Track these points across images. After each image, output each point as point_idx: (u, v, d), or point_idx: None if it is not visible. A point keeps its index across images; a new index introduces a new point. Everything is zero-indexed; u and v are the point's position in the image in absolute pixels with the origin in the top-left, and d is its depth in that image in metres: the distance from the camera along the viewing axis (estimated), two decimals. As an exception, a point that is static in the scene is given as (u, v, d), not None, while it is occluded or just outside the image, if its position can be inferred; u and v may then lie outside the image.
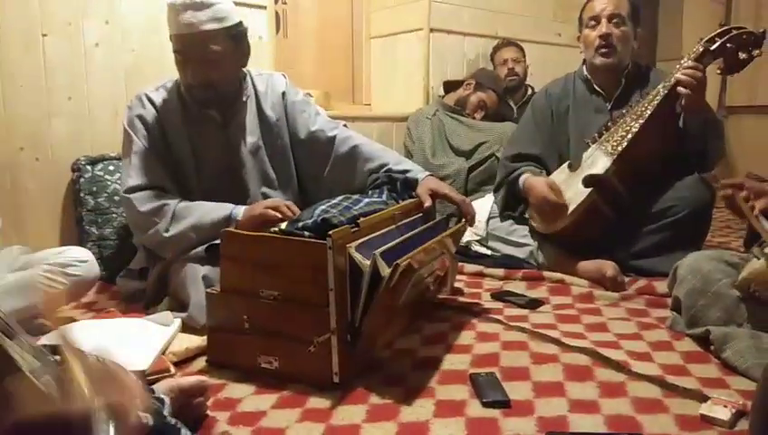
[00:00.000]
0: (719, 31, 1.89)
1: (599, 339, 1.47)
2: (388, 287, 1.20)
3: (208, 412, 1.14)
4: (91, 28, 2.19)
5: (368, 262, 1.23)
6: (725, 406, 1.09)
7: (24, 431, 0.51)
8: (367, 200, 1.55)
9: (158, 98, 1.76)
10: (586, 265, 1.97)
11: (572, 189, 2.01)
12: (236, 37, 1.70)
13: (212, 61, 1.66)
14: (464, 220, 1.71)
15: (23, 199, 2.10)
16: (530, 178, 2.10)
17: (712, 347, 1.36)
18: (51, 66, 2.12)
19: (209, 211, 1.63)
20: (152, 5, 2.31)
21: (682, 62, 1.92)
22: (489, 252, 2.26)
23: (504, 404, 1.15)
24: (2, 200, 2.02)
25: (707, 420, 1.08)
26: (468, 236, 2.30)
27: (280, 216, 1.52)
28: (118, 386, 0.59)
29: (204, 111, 1.76)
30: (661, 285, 1.77)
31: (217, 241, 1.54)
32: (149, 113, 1.74)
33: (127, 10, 2.26)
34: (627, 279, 1.91)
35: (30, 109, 2.10)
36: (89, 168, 2.14)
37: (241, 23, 1.72)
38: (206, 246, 1.60)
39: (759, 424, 0.79)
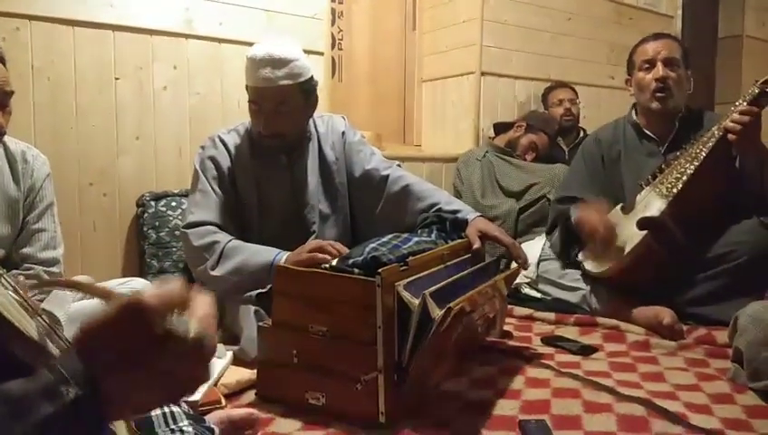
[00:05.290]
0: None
1: (655, 389, 1.42)
2: (439, 330, 1.20)
3: (256, 446, 1.15)
4: (159, 72, 2.33)
5: (416, 301, 1.24)
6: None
7: (98, 329, 0.46)
8: (416, 239, 1.56)
9: (230, 140, 1.85)
10: (642, 312, 1.91)
11: (626, 232, 1.96)
12: (308, 91, 1.79)
13: (284, 113, 1.75)
14: (517, 264, 1.69)
15: (89, 232, 2.22)
16: (581, 212, 2.05)
17: (777, 402, 1.29)
18: (121, 107, 2.26)
19: (253, 255, 1.66)
20: (215, 52, 2.44)
21: (737, 103, 1.88)
22: (540, 295, 2.22)
23: (555, 453, 1.12)
24: (69, 232, 2.13)
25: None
26: (518, 278, 2.27)
27: (329, 257, 1.52)
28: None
29: (271, 154, 1.84)
30: (721, 335, 1.70)
31: (265, 290, 1.58)
32: (221, 154, 1.83)
33: (192, 55, 2.40)
34: (685, 327, 1.84)
35: (100, 147, 2.23)
36: (152, 203, 2.25)
37: (312, 77, 1.80)
38: (256, 292, 1.63)
39: None
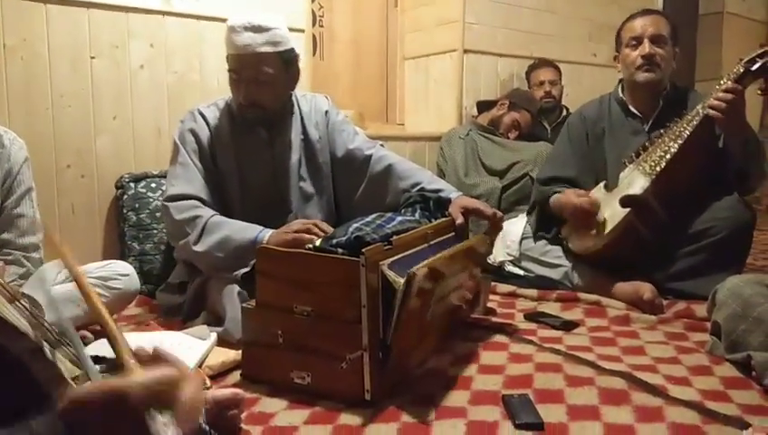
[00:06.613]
0: (760, 51, 1.86)
1: (635, 362, 1.45)
2: (408, 298, 1.20)
3: (242, 425, 1.15)
4: (136, 50, 2.28)
5: (401, 280, 1.24)
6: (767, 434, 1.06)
7: (79, 407, 0.49)
8: (400, 219, 1.56)
9: (210, 114, 1.84)
10: (623, 287, 1.94)
11: (609, 210, 1.98)
12: (288, 62, 1.78)
13: (264, 82, 1.73)
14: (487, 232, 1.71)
15: (67, 214, 2.19)
16: (558, 195, 2.09)
17: (753, 373, 1.32)
18: (97, 87, 2.21)
19: (236, 232, 1.65)
20: (193, 29, 2.40)
21: (721, 82, 1.89)
22: (523, 272, 2.24)
23: (538, 427, 1.14)
24: (48, 215, 2.10)
25: (749, 449, 1.05)
26: (502, 256, 2.29)
27: (314, 238, 1.51)
28: (170, 375, 0.54)
29: (251, 129, 1.82)
30: (700, 309, 1.73)
31: (249, 269, 1.57)
32: (201, 128, 1.81)
33: (170, 33, 2.35)
34: (665, 302, 1.88)
35: (77, 128, 2.19)
36: (132, 185, 2.21)
37: (293, 49, 1.79)
38: (241, 273, 1.62)
39: None
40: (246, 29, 1.69)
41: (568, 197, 2.05)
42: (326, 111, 1.96)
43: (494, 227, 1.72)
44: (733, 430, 1.11)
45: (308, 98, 1.98)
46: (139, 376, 0.51)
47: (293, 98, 1.91)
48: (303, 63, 2.69)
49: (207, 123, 1.82)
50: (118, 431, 0.49)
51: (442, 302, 1.47)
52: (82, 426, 0.49)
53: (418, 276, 1.20)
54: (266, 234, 1.61)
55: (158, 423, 0.49)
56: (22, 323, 0.76)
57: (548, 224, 2.20)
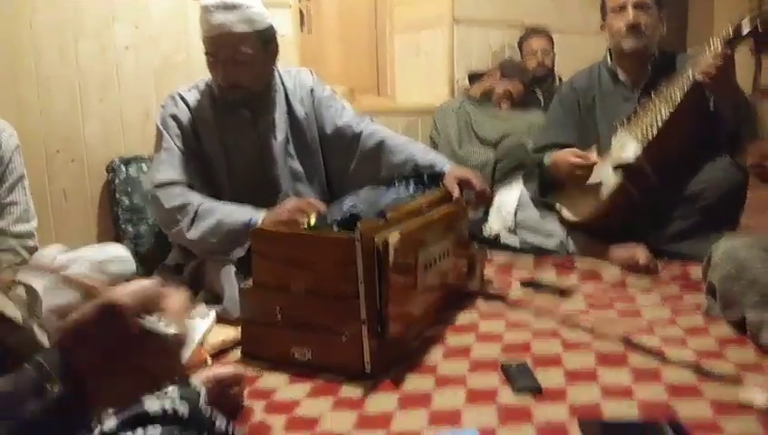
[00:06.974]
0: (750, 15, 1.83)
1: (632, 325, 1.46)
2: (386, 262, 1.21)
3: (244, 402, 1.16)
4: (121, 32, 2.24)
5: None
6: (763, 391, 1.07)
7: (77, 327, 0.49)
8: (394, 196, 1.56)
9: (191, 97, 1.80)
10: (618, 252, 1.95)
11: (602, 176, 1.98)
12: (266, 40, 1.73)
13: (241, 62, 1.68)
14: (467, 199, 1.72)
15: (60, 200, 2.17)
16: (553, 154, 2.09)
17: (748, 332, 1.34)
18: (83, 70, 2.18)
19: (228, 215, 1.64)
20: (179, 9, 2.35)
21: (711, 43, 1.87)
22: (518, 243, 2.24)
23: (536, 391, 1.16)
24: (40, 201, 2.07)
25: (744, 406, 1.06)
26: (497, 227, 2.29)
27: (308, 218, 1.48)
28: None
29: (234, 110, 1.79)
30: (695, 270, 1.74)
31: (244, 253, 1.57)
32: (182, 112, 1.78)
33: (155, 14, 2.31)
34: (660, 264, 1.89)
35: (64, 112, 2.16)
36: (123, 168, 2.20)
37: (271, 26, 1.74)
38: (236, 256, 1.62)
39: None
40: (219, 8, 1.63)
41: (563, 155, 2.04)
42: (311, 88, 1.91)
43: (480, 201, 1.72)
44: (729, 387, 1.13)
45: (292, 74, 1.93)
46: (121, 289, 0.52)
47: (276, 75, 1.87)
48: (291, 39, 2.66)
49: (189, 107, 1.78)
50: (118, 342, 0.49)
51: (432, 271, 1.47)
52: (82, 350, 0.49)
53: (392, 241, 1.21)
54: (259, 216, 1.60)
55: (150, 321, 0.50)
56: (18, 315, 0.76)
57: (547, 189, 2.20)
